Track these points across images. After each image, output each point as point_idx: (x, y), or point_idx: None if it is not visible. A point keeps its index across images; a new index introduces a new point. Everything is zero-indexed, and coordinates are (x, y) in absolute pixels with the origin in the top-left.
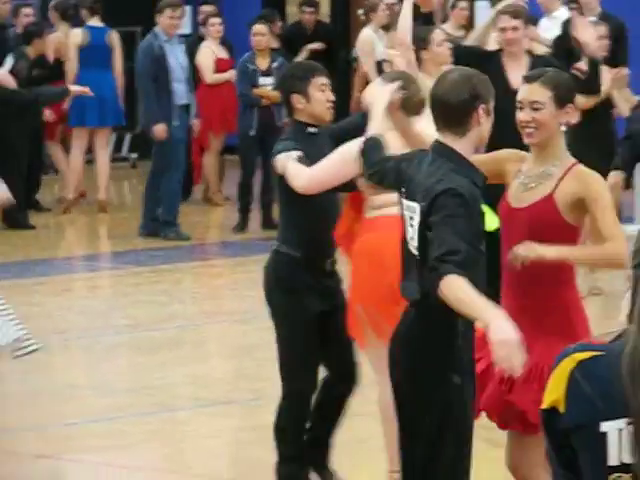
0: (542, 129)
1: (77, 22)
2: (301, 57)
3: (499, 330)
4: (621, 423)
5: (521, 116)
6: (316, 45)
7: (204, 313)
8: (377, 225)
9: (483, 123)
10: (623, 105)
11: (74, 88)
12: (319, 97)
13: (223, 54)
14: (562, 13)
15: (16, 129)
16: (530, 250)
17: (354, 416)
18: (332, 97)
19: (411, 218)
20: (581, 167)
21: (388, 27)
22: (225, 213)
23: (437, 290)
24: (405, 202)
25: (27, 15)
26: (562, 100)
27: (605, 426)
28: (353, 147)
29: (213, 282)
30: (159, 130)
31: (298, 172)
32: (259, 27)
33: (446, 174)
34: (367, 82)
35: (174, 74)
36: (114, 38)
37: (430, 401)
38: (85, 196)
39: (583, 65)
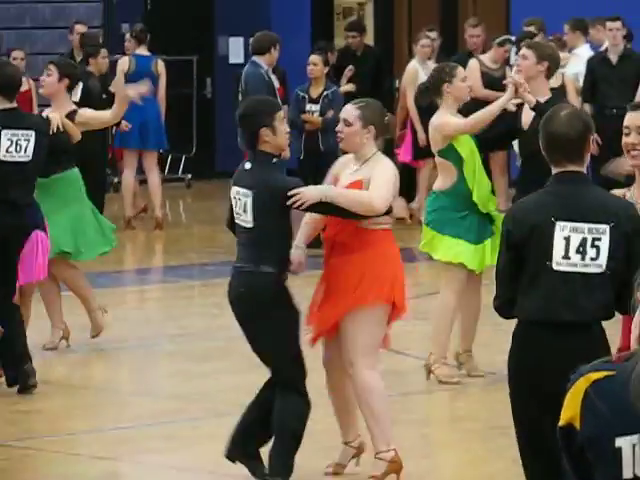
0: None
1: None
2: (343, 82)
3: None
4: (635, 438)
5: (629, 140)
6: (348, 71)
7: None
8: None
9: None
10: None
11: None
12: (282, 130)
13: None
14: (584, 50)
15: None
16: None
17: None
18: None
19: (597, 239)
20: None
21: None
22: None
23: None
24: (576, 225)
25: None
26: None
27: (619, 441)
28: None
29: None
30: None
31: (364, 195)
32: (313, 57)
33: (610, 195)
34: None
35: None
36: (160, 66)
37: None
38: (147, 211)
39: None
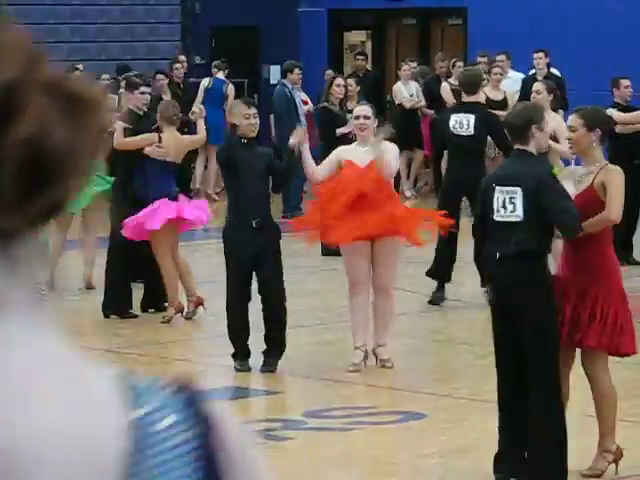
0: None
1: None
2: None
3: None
4: None
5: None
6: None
7: None
8: None
9: (538, 137)
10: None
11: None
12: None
13: (304, 96)
14: (514, 74)
15: None
16: None
17: None
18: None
19: (512, 197)
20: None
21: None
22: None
23: None
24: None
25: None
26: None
27: None
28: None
29: None
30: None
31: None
32: (350, 80)
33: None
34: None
35: (300, 110)
36: (229, 88)
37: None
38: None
39: None
